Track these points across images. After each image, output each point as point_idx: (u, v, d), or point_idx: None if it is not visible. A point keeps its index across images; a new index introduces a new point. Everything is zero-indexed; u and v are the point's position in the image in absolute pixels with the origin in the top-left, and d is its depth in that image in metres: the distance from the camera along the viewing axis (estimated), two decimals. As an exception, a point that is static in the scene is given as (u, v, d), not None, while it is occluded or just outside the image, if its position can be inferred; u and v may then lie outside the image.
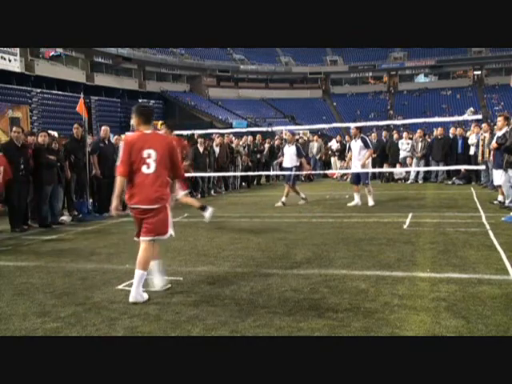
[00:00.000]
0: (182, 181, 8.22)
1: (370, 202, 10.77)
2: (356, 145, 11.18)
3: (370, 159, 11.35)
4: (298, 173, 12.10)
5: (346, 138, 20.53)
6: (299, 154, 11.64)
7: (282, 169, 11.89)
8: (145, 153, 4.52)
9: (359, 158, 11.05)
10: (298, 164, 11.73)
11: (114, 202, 4.61)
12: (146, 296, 4.49)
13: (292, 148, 11.62)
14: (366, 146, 11.10)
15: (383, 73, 64.06)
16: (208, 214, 8.67)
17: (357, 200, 10.96)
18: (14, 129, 9.16)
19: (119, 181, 4.60)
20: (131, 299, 4.41)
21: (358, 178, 11.17)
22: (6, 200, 8.63)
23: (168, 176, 4.65)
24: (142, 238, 4.62)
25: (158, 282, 4.79)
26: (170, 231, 4.73)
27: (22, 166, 8.62)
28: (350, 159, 11.38)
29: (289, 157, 11.63)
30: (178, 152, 4.91)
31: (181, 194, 8.70)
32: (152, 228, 4.56)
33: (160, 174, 4.56)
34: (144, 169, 4.52)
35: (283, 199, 11.35)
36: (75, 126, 10.63)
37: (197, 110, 53.55)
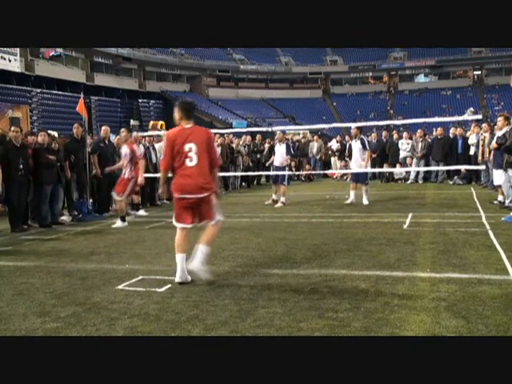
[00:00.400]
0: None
1: (365, 201, 10.84)
2: (356, 145, 11.28)
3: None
4: (291, 173, 12.19)
5: (346, 137, 20.53)
6: (288, 152, 11.65)
7: (274, 168, 11.97)
8: (186, 147, 4.89)
9: (359, 159, 11.18)
10: (289, 163, 11.86)
11: (161, 189, 5.58)
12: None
13: (282, 147, 11.62)
14: (364, 147, 11.23)
15: (383, 73, 64.03)
16: (119, 224, 8.99)
17: (352, 198, 11.13)
18: (13, 128, 9.16)
19: (162, 173, 5.28)
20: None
21: (356, 177, 11.25)
22: (5, 200, 8.63)
23: (209, 166, 5.02)
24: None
25: (196, 264, 4.91)
26: (219, 216, 5.14)
27: (21, 166, 8.60)
28: (351, 157, 11.54)
29: (279, 156, 11.67)
30: (214, 144, 5.39)
31: (116, 196, 9.11)
32: (210, 213, 5.05)
33: (202, 165, 4.93)
34: (187, 162, 4.91)
35: (282, 199, 11.36)
36: (75, 126, 10.63)
37: (197, 110, 53.20)
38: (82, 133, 10.70)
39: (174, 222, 5.12)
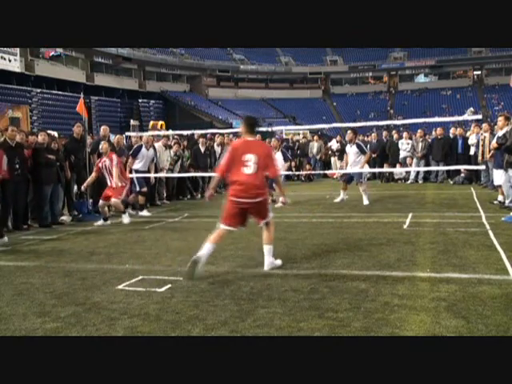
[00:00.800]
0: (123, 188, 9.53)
1: (365, 201, 10.86)
2: (351, 150, 11.38)
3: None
4: (291, 173, 12.43)
5: (346, 137, 20.49)
6: (285, 159, 12.21)
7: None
8: (246, 157, 5.43)
9: (355, 164, 11.24)
10: (286, 169, 12.13)
11: (209, 192, 5.79)
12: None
13: (278, 154, 11.78)
14: (363, 152, 11.31)
15: (383, 73, 64.05)
16: (126, 219, 9.41)
17: (342, 196, 11.38)
18: (10, 128, 9.12)
19: (216, 178, 5.73)
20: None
21: (350, 179, 11.40)
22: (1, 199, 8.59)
23: (264, 175, 5.57)
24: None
25: (267, 262, 5.50)
26: (270, 214, 5.68)
27: (17, 166, 8.57)
28: (347, 164, 11.50)
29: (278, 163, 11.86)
30: (273, 156, 5.80)
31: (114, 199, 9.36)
32: (265, 214, 5.57)
33: (259, 173, 5.46)
34: (244, 170, 5.43)
35: (282, 199, 11.36)
36: (77, 125, 10.62)
37: (197, 110, 53.54)
38: (83, 132, 10.70)
39: (220, 224, 5.48)
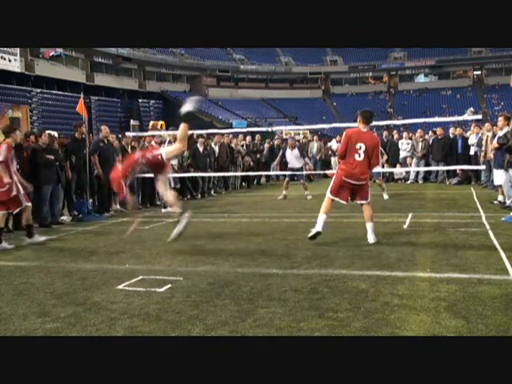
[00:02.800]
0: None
1: (385, 196, 11.78)
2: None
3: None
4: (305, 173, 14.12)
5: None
6: (302, 155, 13.37)
7: (290, 169, 13.64)
8: (358, 145, 6.47)
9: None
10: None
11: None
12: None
13: (295, 151, 13.05)
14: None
15: (383, 73, 64.02)
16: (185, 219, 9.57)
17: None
18: (17, 132, 9.13)
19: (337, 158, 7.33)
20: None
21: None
22: None
23: (370, 162, 6.59)
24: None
25: (371, 238, 6.58)
26: (370, 198, 6.73)
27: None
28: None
29: (294, 159, 13.12)
30: (379, 147, 6.83)
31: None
32: (365, 196, 6.69)
33: (365, 161, 6.51)
34: (356, 156, 6.49)
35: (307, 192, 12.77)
36: (83, 125, 10.59)
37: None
38: (85, 133, 10.69)
39: (328, 194, 6.70)
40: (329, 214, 6.71)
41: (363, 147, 6.44)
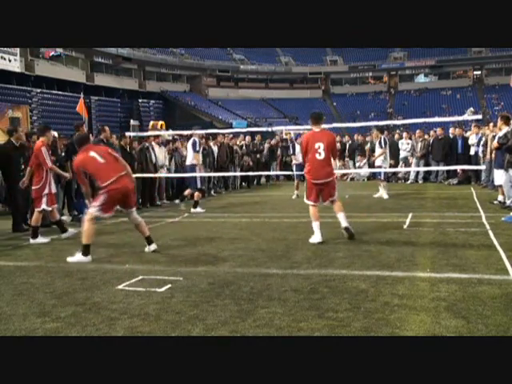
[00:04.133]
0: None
1: (385, 196, 11.76)
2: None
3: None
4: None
5: (346, 137, 20.58)
6: None
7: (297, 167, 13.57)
8: (316, 145, 6.79)
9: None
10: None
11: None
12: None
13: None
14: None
15: (383, 73, 64.05)
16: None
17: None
18: (19, 130, 9.16)
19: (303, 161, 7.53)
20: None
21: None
22: (10, 200, 8.62)
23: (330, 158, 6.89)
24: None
25: (344, 223, 6.88)
26: (336, 193, 7.01)
27: (23, 167, 8.60)
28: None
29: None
30: (335, 142, 7.28)
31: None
32: (333, 192, 6.95)
33: (326, 158, 6.82)
34: (317, 156, 6.80)
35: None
36: (83, 126, 10.59)
37: (197, 110, 53.52)
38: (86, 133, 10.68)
39: (306, 201, 7.01)
40: (320, 219, 6.83)
41: (322, 146, 6.76)
